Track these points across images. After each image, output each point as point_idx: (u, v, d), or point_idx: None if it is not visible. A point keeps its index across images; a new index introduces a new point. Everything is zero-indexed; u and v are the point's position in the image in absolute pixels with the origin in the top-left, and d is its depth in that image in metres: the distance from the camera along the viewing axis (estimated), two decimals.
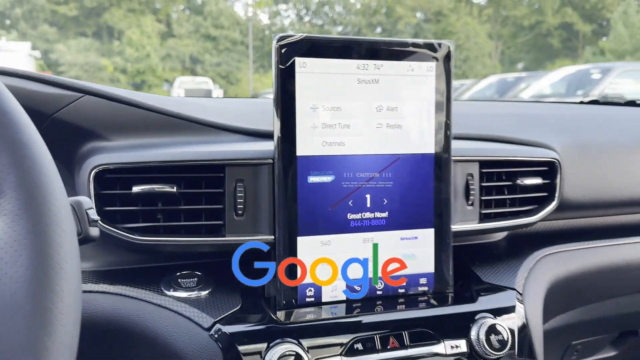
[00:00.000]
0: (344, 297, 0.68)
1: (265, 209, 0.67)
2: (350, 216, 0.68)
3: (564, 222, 0.90)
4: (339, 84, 0.67)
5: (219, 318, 0.62)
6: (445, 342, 0.65)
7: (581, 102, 1.39)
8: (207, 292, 0.66)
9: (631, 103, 1.33)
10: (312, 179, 0.66)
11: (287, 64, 0.63)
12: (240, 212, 0.66)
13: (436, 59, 0.70)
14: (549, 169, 0.80)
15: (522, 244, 0.83)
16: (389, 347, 0.63)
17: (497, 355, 0.65)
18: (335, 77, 0.66)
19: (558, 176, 0.80)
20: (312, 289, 0.67)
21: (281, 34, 0.64)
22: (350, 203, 0.68)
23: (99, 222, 0.62)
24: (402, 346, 0.64)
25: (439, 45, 0.70)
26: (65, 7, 23.68)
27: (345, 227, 0.68)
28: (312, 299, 0.67)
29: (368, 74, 0.68)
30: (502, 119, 0.91)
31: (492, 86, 10.56)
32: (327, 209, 0.67)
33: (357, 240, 0.69)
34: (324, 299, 0.68)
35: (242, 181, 0.66)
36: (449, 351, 0.65)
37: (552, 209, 0.80)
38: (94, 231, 0.45)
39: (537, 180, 0.79)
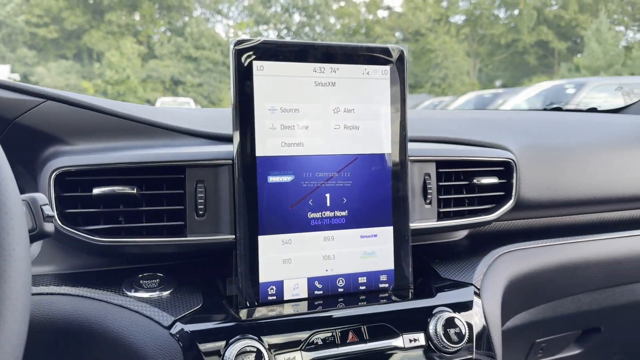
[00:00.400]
0: (305, 295, 0.70)
1: (226, 209, 0.68)
2: (311, 215, 0.70)
3: (522, 221, 0.92)
4: (296, 86, 0.69)
5: (180, 317, 0.63)
6: (404, 335, 0.67)
7: (544, 109, 1.43)
8: (168, 292, 0.67)
9: (593, 110, 1.38)
10: (272, 179, 0.68)
11: (245, 67, 0.65)
12: (201, 212, 0.67)
13: (391, 62, 0.72)
14: (505, 169, 0.83)
15: (482, 243, 0.86)
16: (348, 342, 0.65)
17: (454, 347, 0.67)
18: (292, 79, 0.69)
19: (514, 176, 0.83)
20: (274, 287, 0.68)
21: (239, 38, 0.66)
22: (310, 202, 0.70)
23: (61, 224, 0.63)
24: (362, 340, 0.65)
25: (393, 49, 0.72)
26: (45, 29, 23.61)
27: (305, 226, 0.70)
28: (274, 297, 0.68)
29: (325, 76, 0.70)
30: (461, 123, 0.94)
31: (470, 102, 10.73)
32: (288, 208, 0.69)
33: (318, 239, 0.70)
34: (285, 297, 0.69)
35: (203, 182, 0.68)
36: (408, 344, 0.66)
37: (509, 208, 0.82)
38: (49, 227, 0.46)
39: (494, 180, 0.81)
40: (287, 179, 0.68)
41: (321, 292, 0.70)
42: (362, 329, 0.66)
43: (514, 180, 0.83)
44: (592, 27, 22.25)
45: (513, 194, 0.83)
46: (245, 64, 0.66)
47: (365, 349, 0.64)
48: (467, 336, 0.67)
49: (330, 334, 0.64)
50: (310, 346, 0.63)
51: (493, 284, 0.78)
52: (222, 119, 0.82)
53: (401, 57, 0.72)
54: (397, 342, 0.66)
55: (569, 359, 1.03)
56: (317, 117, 0.70)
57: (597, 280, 0.92)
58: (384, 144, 0.72)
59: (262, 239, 0.68)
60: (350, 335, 0.65)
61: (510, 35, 26.41)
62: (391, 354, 0.65)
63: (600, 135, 1.00)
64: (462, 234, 0.88)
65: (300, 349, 0.63)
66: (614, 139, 1.00)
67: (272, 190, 0.68)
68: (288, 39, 0.71)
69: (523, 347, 0.98)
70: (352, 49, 0.71)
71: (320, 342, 0.64)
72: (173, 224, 0.67)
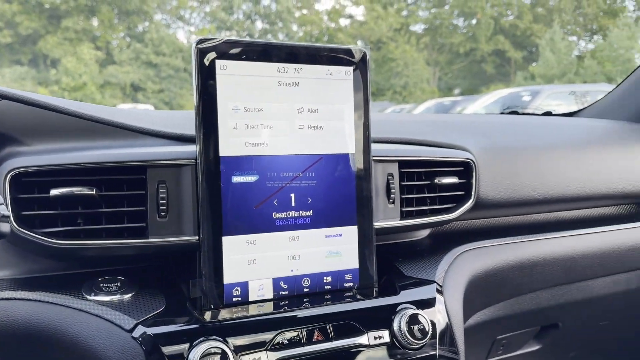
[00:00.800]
0: (271, 295, 0.69)
1: (189, 210, 0.67)
2: (276, 215, 0.69)
3: (483, 220, 0.94)
4: (260, 86, 0.69)
5: (142, 320, 0.62)
6: (368, 333, 0.67)
7: (502, 113, 1.47)
8: (130, 295, 0.66)
9: (547, 113, 1.43)
10: (236, 179, 0.67)
11: (207, 66, 0.65)
12: (163, 213, 0.66)
13: (354, 63, 0.73)
14: (465, 169, 0.85)
15: (443, 241, 0.87)
16: (313, 341, 0.65)
17: (418, 344, 0.67)
18: (256, 79, 0.69)
19: (474, 176, 0.85)
20: (239, 288, 0.68)
21: (201, 37, 0.65)
22: (275, 202, 0.69)
23: (17, 227, 0.61)
24: (327, 339, 0.65)
25: (356, 50, 0.73)
26: None
27: (270, 226, 0.69)
28: (239, 299, 0.68)
29: (288, 76, 0.70)
30: (422, 125, 0.96)
31: (430, 110, 10.95)
32: (252, 208, 0.68)
33: (283, 239, 0.70)
34: (250, 298, 0.68)
35: (165, 182, 0.66)
36: (373, 342, 0.67)
37: (469, 207, 0.84)
38: (4, 227, 0.45)
39: (454, 180, 0.83)
40: (251, 179, 0.68)
41: (286, 292, 0.70)
42: (328, 327, 0.66)
43: (474, 180, 0.85)
44: (546, 37, 23.05)
45: (473, 193, 0.84)
46: (208, 63, 0.65)
47: (330, 348, 0.65)
48: (430, 333, 0.68)
49: (295, 334, 0.64)
50: (275, 346, 0.63)
51: (455, 281, 0.79)
52: (184, 120, 0.81)
53: (364, 58, 0.73)
54: (362, 339, 0.66)
55: (529, 354, 1.05)
56: (281, 117, 0.70)
57: (554, 277, 0.95)
58: (348, 144, 0.73)
59: (226, 240, 0.67)
60: (316, 334, 0.65)
61: (469, 44, 27.08)
62: (356, 352, 0.66)
63: (554, 138, 1.04)
64: (425, 232, 0.89)
65: (266, 349, 0.62)
66: (567, 141, 1.04)
67: (236, 190, 0.67)
68: (251, 39, 0.71)
69: (485, 343, 1.00)
70: (315, 50, 0.71)
71: (285, 342, 0.64)
72: (134, 225, 0.65)
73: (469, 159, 0.84)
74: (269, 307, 0.68)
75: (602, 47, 23.06)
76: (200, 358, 0.58)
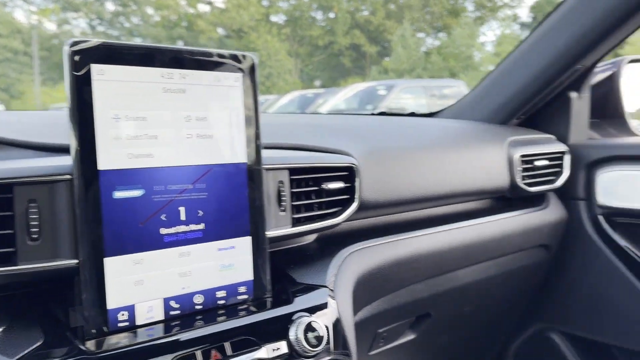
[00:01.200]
0: (161, 317, 0.65)
1: (65, 230, 0.60)
2: (164, 231, 0.65)
3: (367, 220, 0.98)
4: (142, 92, 0.63)
5: (18, 357, 0.54)
6: (266, 346, 0.66)
7: (372, 114, 1.53)
8: (0, 329, 0.57)
9: (412, 114, 1.52)
10: (118, 194, 0.62)
11: (82, 72, 0.58)
12: (35, 236, 0.59)
13: (242, 70, 0.71)
14: (349, 174, 0.87)
15: (331, 244, 0.89)
16: None
17: (314, 351, 0.68)
18: (138, 85, 0.63)
19: (357, 180, 0.87)
20: (125, 312, 0.63)
21: (74, 39, 0.58)
22: (162, 217, 0.65)
23: None
24: (225, 357, 0.63)
25: (243, 57, 0.71)
26: None
27: (158, 243, 0.65)
28: (126, 324, 0.62)
29: (174, 83, 0.66)
30: (305, 129, 0.97)
31: (294, 101, 11.12)
32: (138, 225, 0.63)
33: (173, 256, 0.66)
34: (138, 322, 0.63)
35: (35, 201, 0.59)
36: (271, 354, 0.66)
37: (354, 210, 0.87)
38: None
39: (340, 185, 0.85)
40: (135, 193, 0.63)
41: (178, 311, 0.66)
42: (225, 345, 0.63)
43: (357, 184, 0.87)
44: (398, 33, 24.62)
45: (356, 196, 0.87)
46: (83, 68, 0.59)
47: None
48: (325, 338, 0.69)
49: (191, 356, 0.61)
50: None
51: (344, 283, 0.81)
52: (54, 122, 0.72)
53: (252, 65, 0.71)
54: (260, 353, 0.65)
55: (406, 344, 1.12)
56: (167, 126, 0.65)
57: (427, 270, 1.02)
58: (239, 153, 0.71)
59: (109, 261, 0.61)
60: (213, 353, 0.63)
61: (327, 37, 27.97)
62: None
63: (423, 139, 1.11)
64: (312, 237, 0.90)
65: None
66: (434, 142, 1.11)
67: (119, 206, 0.62)
68: (135, 41, 0.65)
69: (367, 338, 1.04)
70: (201, 54, 0.68)
71: None
72: (1, 251, 0.57)
73: (352, 164, 0.87)
74: (159, 330, 0.64)
75: (446, 44, 25.26)
76: None
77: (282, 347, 0.67)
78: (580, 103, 1.32)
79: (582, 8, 1.11)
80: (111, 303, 0.61)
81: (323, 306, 0.73)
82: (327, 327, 0.71)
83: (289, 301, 0.72)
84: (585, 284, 1.30)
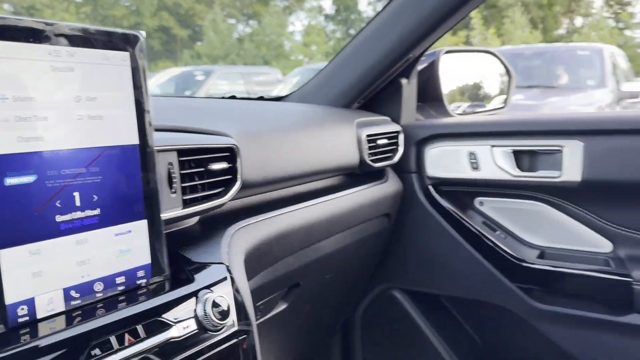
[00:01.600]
0: (62, 308, 0.62)
1: None
2: (60, 218, 0.61)
3: (251, 198, 1.02)
4: (30, 71, 0.59)
5: None
6: (177, 325, 0.67)
7: (222, 98, 1.55)
8: None
9: (261, 98, 1.58)
10: (10, 181, 0.57)
11: None
12: None
13: (130, 49, 0.69)
14: (231, 155, 0.90)
15: (219, 222, 0.91)
16: (126, 345, 0.61)
17: (221, 324, 0.71)
18: (24, 63, 0.58)
19: (238, 160, 0.90)
20: (25, 306, 0.58)
21: None
22: (57, 204, 0.61)
23: None
24: (139, 340, 0.62)
25: (130, 35, 0.69)
26: None
27: (54, 231, 0.61)
28: (26, 318, 0.58)
29: (62, 61, 0.62)
30: (183, 112, 0.97)
31: None
32: (33, 213, 0.59)
33: (70, 244, 0.63)
34: (39, 315, 0.59)
35: None
36: (182, 332, 0.67)
37: (238, 189, 0.90)
38: None
39: (224, 165, 0.87)
40: (28, 179, 0.59)
41: (79, 301, 0.63)
42: (137, 328, 0.63)
43: (238, 164, 0.90)
44: (209, 18, 24.23)
45: (238, 176, 0.90)
46: None
47: (145, 348, 0.62)
48: (230, 311, 0.72)
49: (105, 342, 0.60)
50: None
51: (236, 259, 0.84)
52: None
53: (140, 44, 0.70)
54: (172, 332, 0.66)
55: (278, 314, 1.19)
56: (57, 107, 0.61)
57: (299, 243, 1.09)
58: (131, 135, 0.69)
59: (3, 253, 0.56)
60: (127, 337, 0.62)
61: (133, 18, 26.31)
62: (170, 346, 0.65)
63: (287, 121, 1.18)
64: (195, 219, 0.91)
65: None
66: (296, 124, 1.19)
67: (11, 194, 0.57)
68: (15, 16, 0.59)
69: None
70: (87, 32, 0.65)
71: (99, 353, 0.58)
72: None
73: (233, 145, 0.90)
74: (61, 322, 0.60)
75: (257, 32, 25.63)
76: None
77: (191, 324, 0.68)
78: (409, 88, 1.51)
79: (413, 4, 1.27)
80: (9, 298, 0.57)
81: (224, 282, 0.76)
82: (229, 302, 0.74)
83: (190, 280, 0.73)
84: (419, 244, 1.50)
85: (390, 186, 1.43)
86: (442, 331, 1.55)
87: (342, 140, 1.26)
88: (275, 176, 1.02)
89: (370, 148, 1.34)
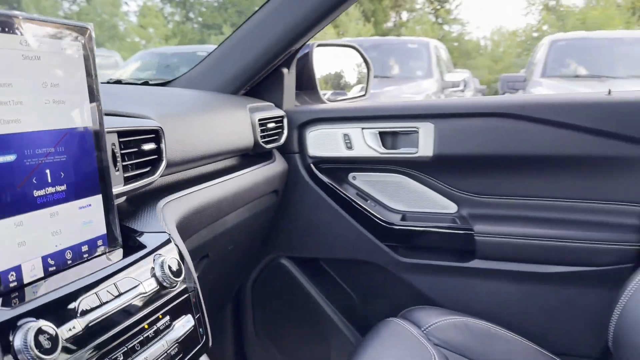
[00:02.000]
0: (42, 274, 0.68)
1: None
2: (36, 193, 0.68)
3: (170, 176, 1.11)
4: (5, 59, 0.65)
5: None
6: (143, 283, 0.77)
7: (107, 82, 1.57)
8: None
9: (146, 83, 1.64)
10: None
11: None
12: None
13: (81, 39, 0.76)
14: (157, 136, 0.99)
15: (147, 199, 1.00)
16: (107, 300, 0.70)
17: (177, 281, 0.82)
18: (2, 52, 0.64)
19: (163, 140, 1.00)
20: (13, 272, 0.65)
21: None
22: (34, 180, 0.68)
23: None
24: (117, 295, 0.72)
25: (82, 26, 0.77)
26: None
27: (33, 205, 0.68)
28: (15, 283, 0.65)
29: (30, 50, 0.68)
30: (107, 97, 1.02)
31: None
32: (16, 189, 0.65)
33: (46, 216, 0.69)
34: (25, 280, 0.66)
35: None
36: (148, 289, 0.77)
37: (164, 168, 1.00)
38: None
39: (153, 146, 0.97)
40: (10, 158, 0.65)
41: (54, 267, 0.71)
42: (117, 284, 0.72)
43: (163, 145, 1.00)
44: None
45: (164, 156, 1.00)
46: None
47: (122, 302, 0.72)
48: (181, 271, 0.84)
49: (91, 298, 0.68)
50: (81, 313, 0.66)
51: (171, 228, 0.95)
52: None
53: (89, 34, 0.78)
54: (140, 289, 0.76)
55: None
56: (29, 92, 0.68)
57: (211, 217, 1.21)
58: (86, 118, 0.77)
59: None
60: (107, 295, 0.71)
61: None
62: (140, 300, 0.75)
63: (192, 105, 1.28)
64: (124, 197, 0.99)
65: (76, 317, 0.65)
66: (202, 107, 1.30)
67: None
68: None
69: None
70: (49, 24, 0.71)
71: (87, 308, 0.67)
72: None
73: (159, 127, 0.99)
74: (48, 285, 0.68)
75: (87, 11, 23.68)
76: (35, 336, 0.57)
77: (152, 282, 0.79)
78: (289, 77, 1.68)
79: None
80: (1, 265, 0.63)
81: (170, 245, 0.86)
82: (179, 262, 0.85)
83: (142, 246, 0.83)
84: (302, 216, 1.70)
85: (277, 165, 1.60)
86: (323, 290, 1.77)
87: (240, 123, 1.39)
88: (191, 156, 1.13)
89: (262, 131, 1.49)
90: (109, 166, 0.80)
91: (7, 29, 0.65)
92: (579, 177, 1.47)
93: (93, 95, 0.78)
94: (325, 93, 2.14)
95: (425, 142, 1.55)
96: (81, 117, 0.76)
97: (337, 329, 1.75)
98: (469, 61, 24.18)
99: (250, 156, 1.52)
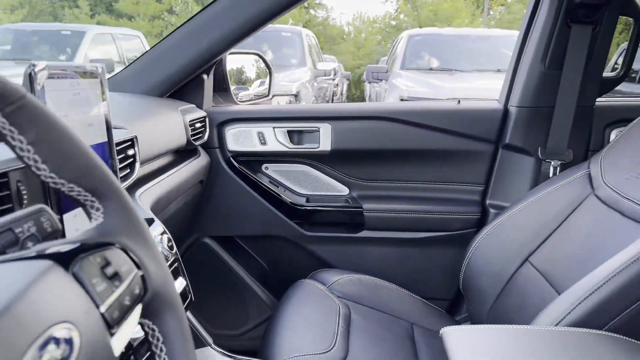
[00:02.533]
0: None
1: None
2: None
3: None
4: (64, 98, 0.90)
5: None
6: None
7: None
8: None
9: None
10: None
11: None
12: None
13: (99, 77, 1.02)
14: (132, 143, 1.25)
15: (129, 191, 1.26)
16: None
17: (171, 253, 1.11)
18: (60, 93, 0.89)
19: (137, 145, 1.27)
20: None
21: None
22: None
23: None
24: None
25: (99, 67, 1.02)
26: None
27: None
28: None
29: (76, 89, 0.93)
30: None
31: None
32: None
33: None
34: None
35: None
36: None
37: (139, 167, 1.27)
38: None
39: (133, 151, 1.23)
40: None
41: None
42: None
43: (137, 148, 1.27)
44: None
45: (138, 158, 1.27)
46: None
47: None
48: (173, 245, 1.13)
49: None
50: None
51: (150, 212, 1.23)
52: None
53: (102, 72, 1.03)
54: None
55: None
56: (77, 118, 0.93)
57: (163, 205, 1.48)
58: (104, 135, 1.03)
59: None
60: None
61: None
62: None
63: (135, 109, 1.52)
64: None
65: None
66: (146, 111, 1.54)
67: None
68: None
69: None
70: (84, 69, 0.97)
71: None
72: None
73: (135, 136, 1.26)
74: None
75: None
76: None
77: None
78: (208, 82, 1.96)
79: (234, 10, 1.70)
80: None
81: (153, 222, 1.15)
82: (169, 239, 1.14)
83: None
84: (223, 201, 2.01)
85: (202, 160, 1.88)
86: (242, 263, 2.10)
87: (176, 124, 1.66)
88: (149, 155, 1.39)
89: (191, 130, 1.77)
90: (117, 169, 1.07)
91: (62, 76, 0.90)
92: (436, 165, 1.97)
93: (106, 117, 1.04)
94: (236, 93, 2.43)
95: (325, 139, 1.94)
96: (101, 134, 1.02)
97: (255, 294, 2.10)
98: (334, 46, 25.24)
99: (181, 152, 1.79)
